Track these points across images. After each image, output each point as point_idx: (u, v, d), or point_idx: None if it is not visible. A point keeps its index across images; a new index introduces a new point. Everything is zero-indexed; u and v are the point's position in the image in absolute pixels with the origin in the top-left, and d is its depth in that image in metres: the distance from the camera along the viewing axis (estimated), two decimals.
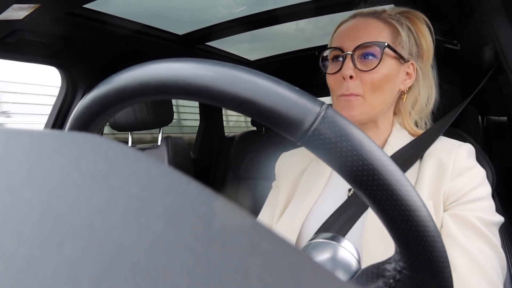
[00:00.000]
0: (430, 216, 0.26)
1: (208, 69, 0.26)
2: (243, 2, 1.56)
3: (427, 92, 0.79)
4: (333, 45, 0.77)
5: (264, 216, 0.87)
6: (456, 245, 0.62)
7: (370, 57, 0.72)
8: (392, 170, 0.25)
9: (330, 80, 0.76)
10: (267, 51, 2.09)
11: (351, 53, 0.72)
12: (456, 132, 0.88)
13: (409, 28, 0.76)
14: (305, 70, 0.88)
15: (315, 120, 0.25)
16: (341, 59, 0.74)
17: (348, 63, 0.72)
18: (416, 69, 0.77)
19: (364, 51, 0.72)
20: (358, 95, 0.72)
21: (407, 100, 0.78)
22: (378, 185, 0.25)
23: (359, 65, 0.72)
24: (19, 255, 0.10)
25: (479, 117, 1.23)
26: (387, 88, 0.73)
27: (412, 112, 0.79)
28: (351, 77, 0.71)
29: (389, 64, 0.73)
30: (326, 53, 0.79)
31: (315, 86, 0.83)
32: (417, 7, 0.78)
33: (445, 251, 0.28)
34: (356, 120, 0.72)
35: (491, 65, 0.95)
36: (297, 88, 0.25)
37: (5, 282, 0.10)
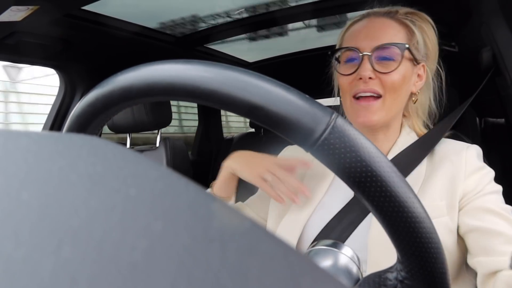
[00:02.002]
0: (434, 228, 0.27)
1: (219, 73, 0.25)
2: (241, 4, 1.57)
3: (432, 93, 0.79)
4: (347, 45, 0.73)
5: (250, 200, 0.90)
6: (472, 231, 0.62)
7: (389, 59, 0.70)
8: (399, 182, 0.25)
9: (344, 81, 0.73)
10: (265, 52, 2.09)
11: (369, 54, 0.69)
12: (455, 133, 0.88)
13: (421, 29, 0.74)
14: (304, 72, 0.88)
15: (325, 129, 0.24)
16: (356, 60, 0.71)
17: (366, 64, 0.69)
18: (426, 70, 0.76)
19: (382, 53, 0.70)
20: (378, 95, 0.70)
21: (417, 102, 0.78)
22: (385, 196, 0.25)
23: (377, 67, 0.69)
24: (17, 257, 0.10)
25: (477, 118, 1.23)
26: (404, 90, 0.72)
27: (419, 113, 0.79)
28: (370, 78, 0.69)
29: (406, 66, 0.71)
30: (338, 53, 0.76)
31: (314, 88, 0.83)
32: (415, 9, 0.78)
33: (446, 263, 0.28)
34: (373, 124, 0.71)
35: (489, 67, 0.95)
36: (307, 96, 0.25)
37: (3, 284, 0.10)
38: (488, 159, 0.84)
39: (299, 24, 1.70)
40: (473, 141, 0.86)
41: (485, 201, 0.65)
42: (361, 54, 0.70)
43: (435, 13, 0.77)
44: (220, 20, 1.60)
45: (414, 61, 0.73)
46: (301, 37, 1.96)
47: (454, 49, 1.22)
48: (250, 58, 2.15)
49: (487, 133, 1.29)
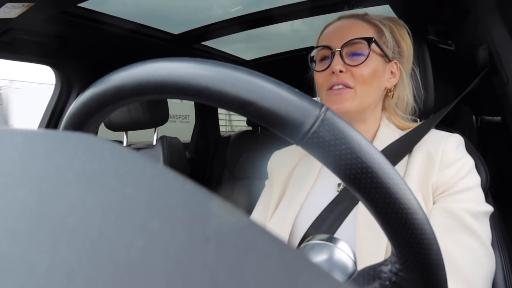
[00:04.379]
0: (427, 219, 0.27)
1: (209, 69, 0.25)
2: (239, 1, 1.57)
3: (409, 91, 0.82)
4: (320, 45, 0.79)
5: (257, 214, 0.87)
6: None
7: (358, 54, 0.74)
8: (390, 173, 0.25)
9: (319, 77, 0.78)
10: (262, 51, 2.09)
11: (339, 49, 0.74)
12: (450, 131, 0.89)
13: (391, 29, 0.79)
14: (301, 70, 0.88)
15: (314, 122, 0.25)
16: (329, 57, 0.75)
17: (337, 59, 0.74)
18: (400, 68, 0.79)
19: (352, 49, 0.74)
20: (349, 87, 0.73)
21: (394, 97, 0.81)
22: (376, 188, 0.25)
23: (347, 61, 0.74)
24: (13, 255, 0.10)
25: (473, 117, 1.24)
26: (375, 84, 0.75)
27: (396, 109, 0.81)
28: (341, 71, 0.73)
29: (376, 61, 0.75)
30: (313, 53, 0.81)
31: (311, 86, 0.83)
32: (412, 7, 0.78)
33: (440, 254, 0.28)
34: (346, 111, 0.73)
35: (485, 65, 0.95)
36: (297, 90, 0.25)
37: None
38: (484, 156, 0.85)
39: (297, 22, 1.70)
40: (469, 139, 0.87)
41: (457, 200, 0.65)
42: (332, 51, 0.75)
43: (432, 12, 0.77)
44: (218, 18, 1.60)
45: (385, 57, 0.77)
46: (299, 35, 1.96)
47: (451, 47, 1.22)
48: (248, 56, 2.15)
49: (483, 131, 1.30)
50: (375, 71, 0.75)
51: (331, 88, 0.74)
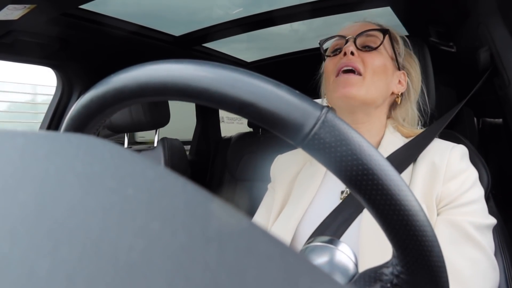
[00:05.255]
0: (428, 221, 0.26)
1: (209, 71, 0.25)
2: (240, 3, 1.57)
3: (415, 109, 0.83)
4: (335, 35, 0.80)
5: (258, 217, 0.87)
6: None
7: (371, 47, 0.76)
8: (391, 175, 0.25)
9: (329, 63, 0.78)
10: (263, 52, 2.09)
11: (353, 37, 0.75)
12: (452, 134, 0.89)
13: (404, 49, 0.81)
14: (302, 72, 0.88)
15: (315, 124, 0.24)
16: (342, 47, 0.76)
17: (351, 43, 0.75)
18: (408, 82, 0.80)
19: (366, 40, 0.76)
20: (359, 72, 0.73)
21: (400, 107, 0.81)
22: (377, 190, 0.25)
23: (360, 47, 0.75)
24: (13, 257, 0.10)
25: (475, 119, 1.23)
26: (383, 79, 0.75)
27: (404, 123, 0.81)
28: (352, 53, 0.73)
29: (387, 59, 0.76)
30: (326, 44, 0.82)
31: (312, 88, 0.83)
32: (413, 9, 0.78)
33: (442, 256, 0.28)
34: (352, 96, 0.72)
35: (486, 67, 0.95)
36: (297, 92, 0.25)
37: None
38: (486, 159, 0.84)
39: (297, 23, 1.70)
40: (470, 141, 0.87)
41: (461, 213, 0.65)
42: (346, 38, 0.77)
43: (433, 14, 0.77)
44: (219, 20, 1.60)
45: (396, 62, 0.78)
46: (300, 37, 1.96)
47: (452, 49, 1.22)
48: (249, 57, 2.15)
49: (485, 133, 1.30)
50: (385, 66, 0.75)
51: (339, 72, 0.74)
